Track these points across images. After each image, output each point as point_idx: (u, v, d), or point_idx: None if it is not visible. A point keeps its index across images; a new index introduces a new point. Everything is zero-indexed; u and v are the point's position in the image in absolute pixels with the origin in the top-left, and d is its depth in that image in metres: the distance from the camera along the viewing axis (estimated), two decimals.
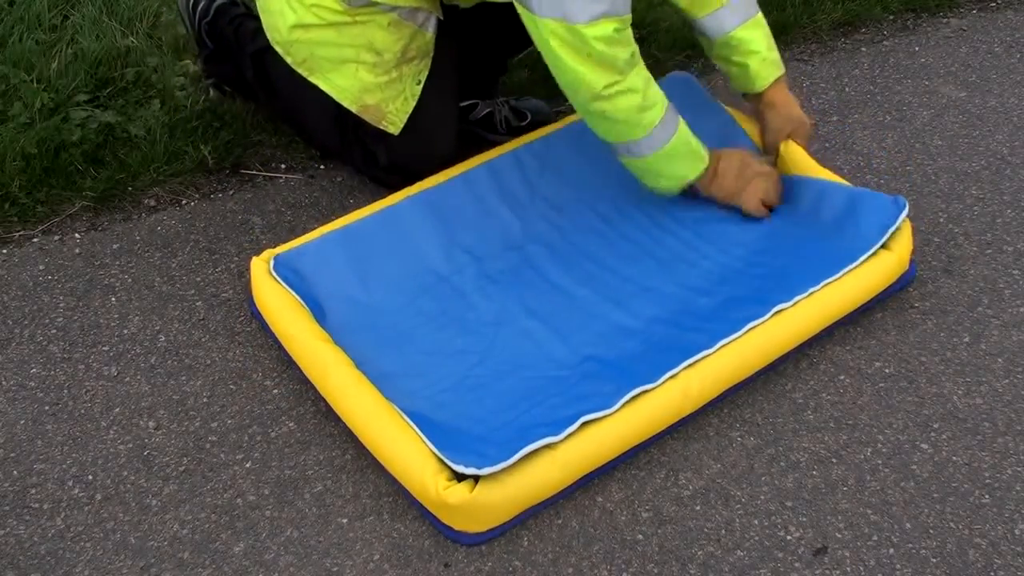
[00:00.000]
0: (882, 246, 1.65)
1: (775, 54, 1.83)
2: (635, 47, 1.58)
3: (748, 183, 1.72)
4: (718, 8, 1.78)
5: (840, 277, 1.59)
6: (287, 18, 1.70)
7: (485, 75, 2.00)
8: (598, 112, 1.60)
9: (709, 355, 1.47)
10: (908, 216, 1.68)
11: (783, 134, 1.83)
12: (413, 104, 1.74)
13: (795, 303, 1.55)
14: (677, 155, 1.67)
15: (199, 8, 1.98)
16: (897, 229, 1.66)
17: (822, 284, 1.57)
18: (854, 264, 1.61)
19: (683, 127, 1.66)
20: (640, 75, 1.59)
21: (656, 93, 1.62)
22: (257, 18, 1.82)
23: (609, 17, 1.50)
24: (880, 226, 1.65)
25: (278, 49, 1.74)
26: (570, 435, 1.35)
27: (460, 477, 1.31)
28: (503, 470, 1.30)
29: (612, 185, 1.82)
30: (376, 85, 1.72)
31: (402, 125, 1.75)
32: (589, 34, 1.50)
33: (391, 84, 1.72)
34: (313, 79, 1.73)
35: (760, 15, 1.82)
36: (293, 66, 1.74)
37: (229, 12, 1.97)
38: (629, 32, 1.56)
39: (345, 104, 1.74)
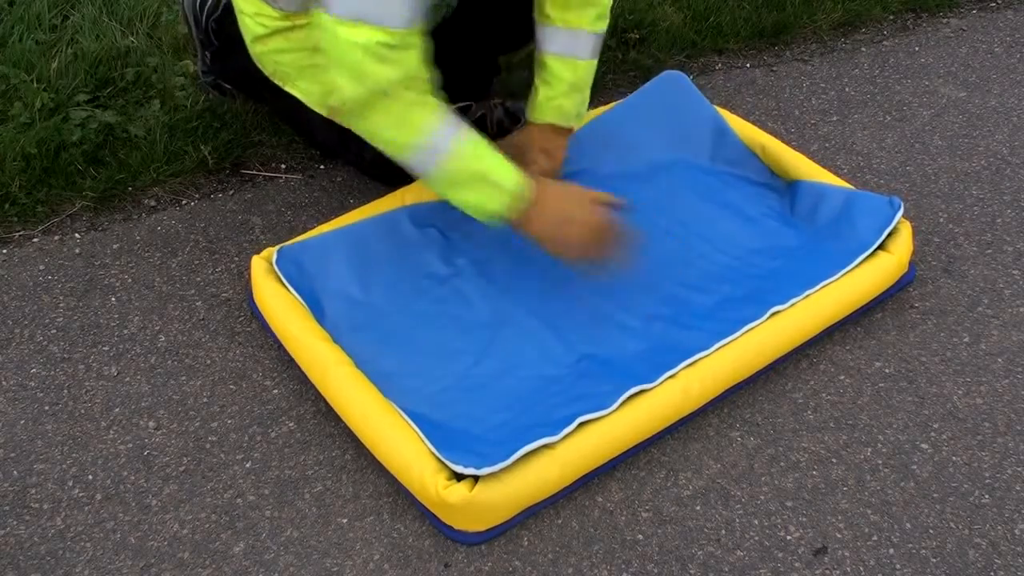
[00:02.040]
0: (882, 248, 1.65)
1: (569, 104, 1.67)
2: (415, 72, 1.39)
3: (563, 238, 1.50)
4: (548, 24, 1.64)
5: (838, 279, 1.60)
6: (246, 34, 1.71)
7: (477, 75, 1.99)
8: (344, 124, 1.47)
9: (708, 355, 1.47)
10: (907, 217, 1.69)
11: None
12: None
13: (792, 304, 1.55)
14: (455, 184, 1.47)
15: (207, 5, 1.98)
16: (896, 231, 1.67)
17: (819, 286, 1.58)
18: (851, 266, 1.61)
19: (468, 149, 1.45)
20: (398, 101, 1.40)
21: (424, 118, 1.42)
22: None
23: (370, 25, 1.32)
24: (876, 227, 1.66)
25: (258, 64, 1.75)
26: (569, 435, 1.36)
27: (459, 476, 1.31)
28: (502, 469, 1.30)
29: (610, 187, 1.82)
30: None
31: None
32: (344, 35, 1.33)
33: None
34: (287, 88, 1.74)
35: (586, 63, 1.66)
36: (270, 78, 1.74)
37: None
38: (409, 56, 1.38)
39: (315, 108, 1.74)
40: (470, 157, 1.45)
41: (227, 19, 1.96)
